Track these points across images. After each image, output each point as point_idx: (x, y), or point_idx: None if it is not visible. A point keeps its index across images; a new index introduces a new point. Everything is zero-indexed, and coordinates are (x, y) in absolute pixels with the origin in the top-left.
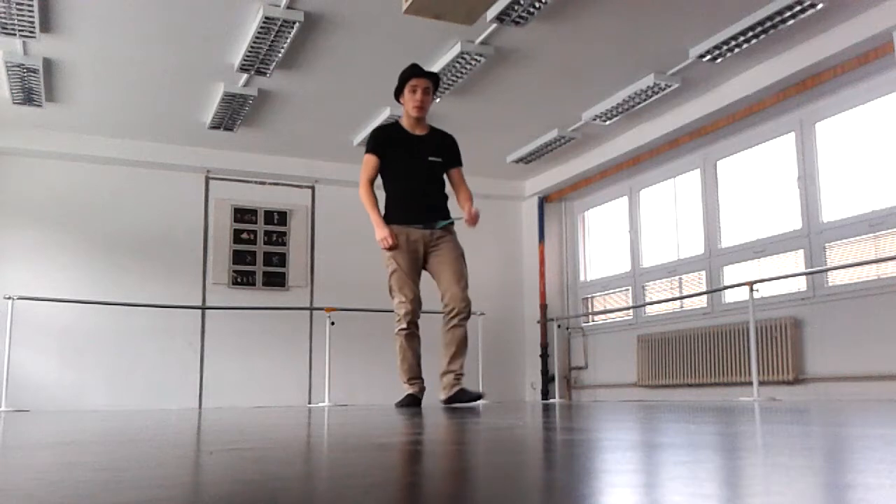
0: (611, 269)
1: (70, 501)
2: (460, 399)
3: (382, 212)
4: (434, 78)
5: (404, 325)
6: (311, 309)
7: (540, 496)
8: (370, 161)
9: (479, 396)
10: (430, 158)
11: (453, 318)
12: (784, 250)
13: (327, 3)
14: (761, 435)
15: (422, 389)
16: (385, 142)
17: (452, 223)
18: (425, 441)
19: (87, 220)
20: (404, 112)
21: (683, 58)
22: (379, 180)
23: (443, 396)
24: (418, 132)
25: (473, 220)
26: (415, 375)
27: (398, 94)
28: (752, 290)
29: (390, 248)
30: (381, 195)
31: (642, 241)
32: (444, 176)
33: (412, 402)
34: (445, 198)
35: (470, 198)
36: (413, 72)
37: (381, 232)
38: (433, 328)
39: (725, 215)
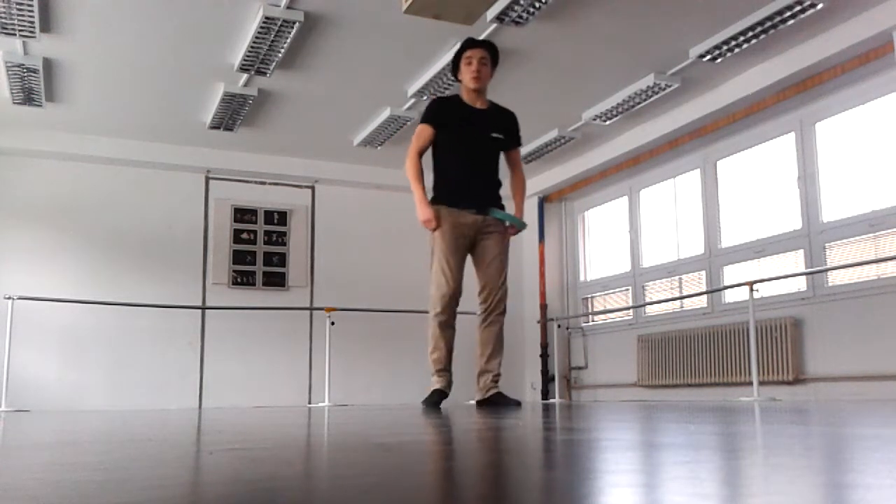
0: (611, 269)
1: (70, 501)
2: (497, 403)
3: (439, 192)
4: (490, 47)
5: (439, 310)
6: (311, 309)
7: (540, 496)
8: (424, 131)
9: (518, 403)
10: (493, 135)
11: (490, 314)
12: (784, 250)
13: (327, 3)
14: (761, 435)
15: (449, 383)
16: (444, 113)
17: (504, 222)
18: (425, 441)
19: (87, 220)
20: (462, 86)
21: (683, 58)
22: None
23: (478, 397)
24: (479, 106)
25: (517, 229)
26: (445, 367)
27: (455, 70)
28: (752, 290)
29: (434, 230)
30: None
31: (642, 241)
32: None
33: (439, 399)
34: (499, 183)
35: (523, 186)
36: (468, 43)
37: (424, 212)
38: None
39: (725, 215)
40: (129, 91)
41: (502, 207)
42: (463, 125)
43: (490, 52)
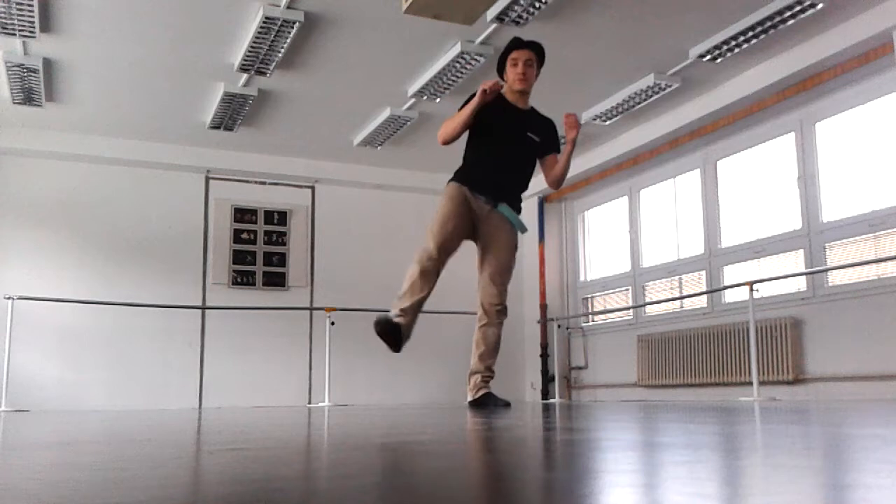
0: (611, 269)
1: (70, 501)
2: (486, 404)
3: (460, 172)
4: (537, 49)
5: (426, 258)
6: (311, 309)
7: (540, 496)
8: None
9: (507, 404)
10: (530, 134)
11: (491, 314)
12: (784, 250)
13: (327, 3)
14: (761, 435)
15: (409, 326)
16: (486, 104)
17: (513, 225)
18: (425, 441)
19: (87, 220)
20: (507, 87)
21: (683, 58)
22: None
23: (469, 397)
24: (521, 106)
25: (573, 120)
26: (412, 310)
27: (500, 69)
28: (752, 290)
29: (491, 88)
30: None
31: (642, 241)
32: (532, 164)
33: (392, 331)
34: (524, 186)
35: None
36: (514, 44)
37: (478, 92)
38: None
39: (725, 215)
40: (129, 91)
41: (518, 210)
42: (502, 119)
43: (537, 54)
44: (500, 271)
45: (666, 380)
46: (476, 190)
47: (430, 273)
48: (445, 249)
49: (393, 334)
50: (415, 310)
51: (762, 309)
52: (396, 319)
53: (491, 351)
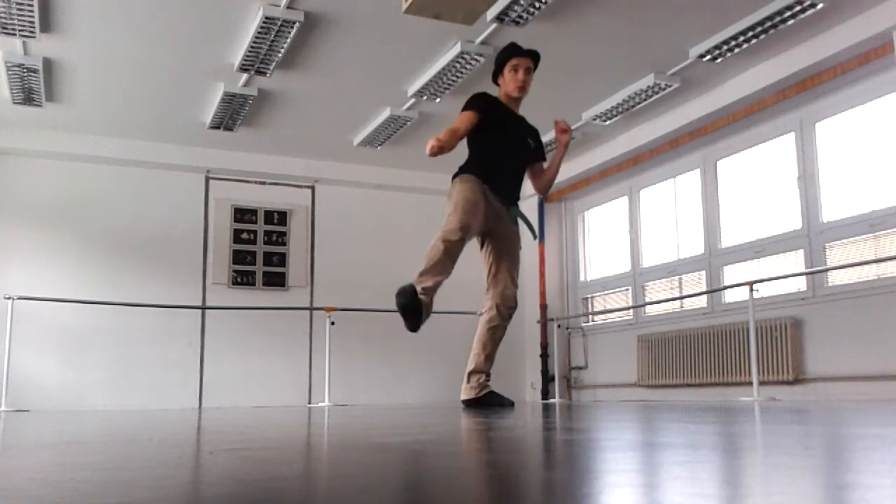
0: (611, 269)
1: (70, 501)
2: (490, 403)
3: (473, 168)
4: (535, 56)
5: (451, 237)
6: (311, 309)
7: (540, 496)
8: (470, 117)
9: (511, 403)
10: (529, 140)
11: (498, 316)
12: (784, 250)
13: (327, 3)
14: (761, 435)
15: (429, 307)
16: (489, 106)
17: (518, 222)
18: (425, 441)
19: (87, 220)
20: (501, 93)
21: (683, 58)
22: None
23: (468, 396)
24: (516, 111)
25: (564, 124)
26: (433, 291)
27: (496, 75)
28: (752, 290)
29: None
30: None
31: (642, 241)
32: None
33: (415, 306)
34: (519, 192)
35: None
36: (514, 51)
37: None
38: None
39: (725, 215)
40: (129, 91)
41: (521, 212)
42: (504, 125)
43: (534, 62)
44: (515, 273)
45: (666, 380)
46: (493, 190)
47: (455, 253)
48: (467, 235)
49: (415, 310)
50: (435, 291)
51: (762, 309)
52: (421, 296)
53: (495, 353)
